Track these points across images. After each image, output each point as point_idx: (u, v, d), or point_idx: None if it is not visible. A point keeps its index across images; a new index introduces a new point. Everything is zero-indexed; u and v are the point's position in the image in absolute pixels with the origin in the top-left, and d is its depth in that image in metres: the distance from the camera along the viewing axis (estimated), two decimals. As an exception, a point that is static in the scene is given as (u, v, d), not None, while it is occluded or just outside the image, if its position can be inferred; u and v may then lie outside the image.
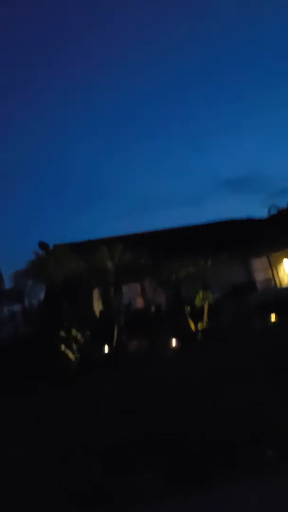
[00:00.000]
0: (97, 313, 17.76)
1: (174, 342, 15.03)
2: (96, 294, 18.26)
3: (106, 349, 14.90)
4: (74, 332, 14.29)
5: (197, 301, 16.68)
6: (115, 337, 15.13)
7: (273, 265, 22.13)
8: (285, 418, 4.32)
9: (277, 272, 22.12)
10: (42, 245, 16.94)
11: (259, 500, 2.97)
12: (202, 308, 16.50)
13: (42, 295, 17.77)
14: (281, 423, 4.25)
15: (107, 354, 14.66)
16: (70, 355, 13.84)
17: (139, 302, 18.66)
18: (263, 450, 3.78)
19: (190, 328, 15.92)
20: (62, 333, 14.13)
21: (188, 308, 16.23)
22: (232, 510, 2.92)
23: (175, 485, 3.54)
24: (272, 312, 15.84)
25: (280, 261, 22.00)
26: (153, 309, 17.35)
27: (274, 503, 2.86)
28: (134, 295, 18.61)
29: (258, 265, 21.45)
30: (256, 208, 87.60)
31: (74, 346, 14.05)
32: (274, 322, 15.62)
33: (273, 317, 15.80)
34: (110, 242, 17.40)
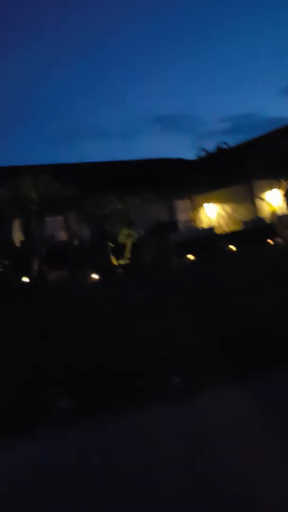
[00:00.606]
0: (18, 243, 17.26)
1: (95, 275, 15.33)
2: (17, 224, 17.59)
3: (26, 279, 14.76)
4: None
5: (121, 238, 16.96)
6: (36, 268, 14.99)
7: (195, 207, 22.97)
8: (195, 350, 4.72)
9: (198, 214, 23.06)
10: None
11: (167, 425, 3.27)
12: (125, 244, 16.85)
13: None
14: (190, 354, 4.63)
15: (26, 284, 14.55)
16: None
17: (63, 235, 18.42)
18: (173, 379, 4.11)
19: (112, 263, 16.28)
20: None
21: (111, 244, 16.47)
22: (143, 435, 3.21)
23: (88, 411, 3.77)
24: (191, 251, 16.71)
25: (202, 204, 22.86)
26: (76, 242, 17.31)
27: (180, 428, 3.20)
28: (57, 228, 18.27)
29: (182, 206, 22.12)
30: (184, 148, 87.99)
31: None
32: (192, 260, 16.56)
33: (191, 256, 16.71)
34: (35, 171, 16.53)
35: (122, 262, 16.51)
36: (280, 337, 4.65)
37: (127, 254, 16.74)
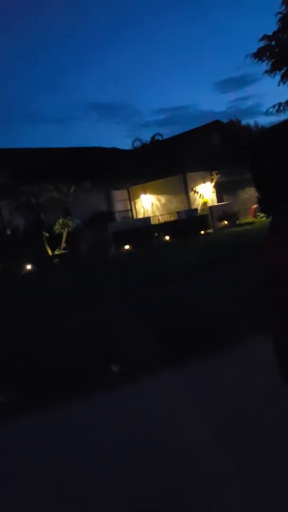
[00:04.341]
0: None
1: (28, 266, 15.01)
2: None
3: None
4: None
5: (57, 227, 16.71)
6: None
7: (132, 198, 23.23)
8: (128, 340, 4.92)
9: (135, 205, 23.36)
10: None
11: (106, 414, 3.42)
12: (61, 234, 16.64)
13: None
14: (123, 344, 4.83)
15: None
16: None
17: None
18: (111, 368, 4.29)
19: (47, 253, 16.02)
20: None
21: (46, 234, 16.17)
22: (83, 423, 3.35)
23: (27, 402, 3.84)
24: (127, 241, 16.96)
25: (138, 194, 23.17)
26: (9, 232, 16.73)
27: (121, 416, 3.36)
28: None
29: (118, 196, 22.23)
30: (120, 137, 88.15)
31: None
32: (127, 250, 16.82)
33: (127, 246, 16.96)
34: None
35: (57, 252, 16.31)
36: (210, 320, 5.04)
37: (63, 244, 16.56)
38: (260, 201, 1.26)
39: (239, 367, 3.71)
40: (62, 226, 16.69)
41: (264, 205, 1.26)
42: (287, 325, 1.15)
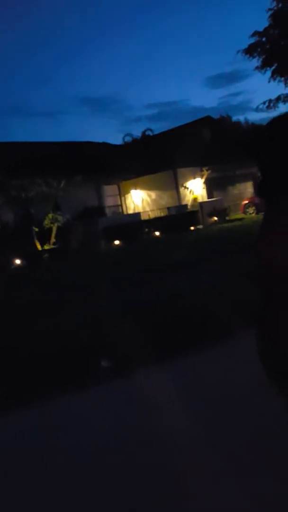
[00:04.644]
0: None
1: (18, 261, 14.90)
2: None
3: None
4: None
5: (46, 222, 16.59)
6: None
7: (122, 193, 23.17)
8: (118, 335, 4.93)
9: (125, 200, 23.31)
10: None
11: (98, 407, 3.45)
12: (51, 229, 16.53)
13: None
14: (116, 335, 4.83)
15: None
16: None
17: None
18: (102, 363, 4.31)
19: (37, 248, 15.91)
20: None
21: (36, 228, 16.06)
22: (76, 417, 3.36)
23: (17, 398, 3.83)
24: (117, 236, 16.92)
25: (128, 190, 23.11)
26: (-2, 226, 16.57)
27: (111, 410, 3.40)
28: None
29: (109, 191, 22.13)
30: (111, 132, 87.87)
31: None
32: (117, 245, 16.79)
33: (117, 241, 16.93)
34: None
35: (47, 247, 16.21)
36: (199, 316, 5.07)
37: (52, 238, 16.46)
38: (258, 184, 1.26)
39: (229, 362, 3.74)
40: (52, 221, 16.58)
41: (260, 192, 1.26)
42: (280, 323, 1.16)
